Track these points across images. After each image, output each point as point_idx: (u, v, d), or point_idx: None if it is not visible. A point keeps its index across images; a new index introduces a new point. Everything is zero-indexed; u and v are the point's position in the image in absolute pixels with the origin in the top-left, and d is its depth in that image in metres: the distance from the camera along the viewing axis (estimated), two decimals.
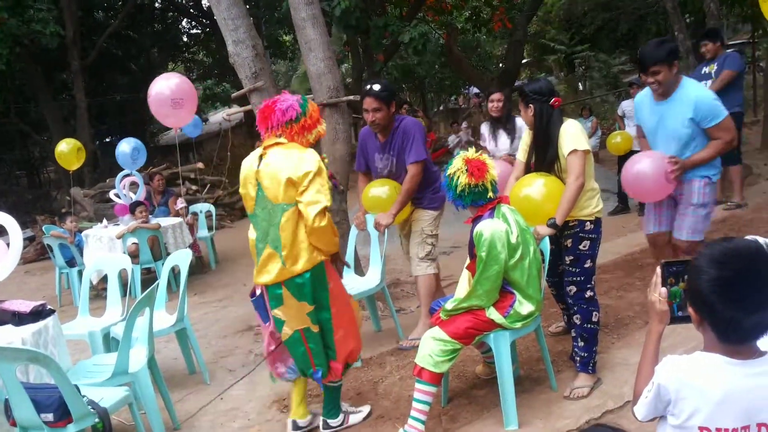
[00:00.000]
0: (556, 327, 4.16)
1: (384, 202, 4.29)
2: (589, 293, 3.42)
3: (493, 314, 3.04)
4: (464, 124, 15.13)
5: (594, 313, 3.42)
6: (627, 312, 4.34)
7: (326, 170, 3.07)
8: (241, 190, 3.17)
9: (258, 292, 3.19)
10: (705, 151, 3.64)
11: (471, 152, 3.11)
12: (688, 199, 3.72)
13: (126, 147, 7.88)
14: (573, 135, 3.33)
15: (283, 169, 2.95)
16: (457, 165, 3.06)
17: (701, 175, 3.69)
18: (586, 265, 3.41)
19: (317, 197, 2.94)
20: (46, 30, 11.88)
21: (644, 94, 3.86)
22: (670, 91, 3.64)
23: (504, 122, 5.37)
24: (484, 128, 5.58)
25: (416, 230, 4.43)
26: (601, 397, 3.31)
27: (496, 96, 5.38)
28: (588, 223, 3.40)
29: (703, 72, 6.69)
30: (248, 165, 3.12)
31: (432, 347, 3.01)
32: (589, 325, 3.40)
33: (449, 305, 3.12)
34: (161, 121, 6.71)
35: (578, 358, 3.43)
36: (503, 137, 5.37)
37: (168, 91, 6.28)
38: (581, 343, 3.42)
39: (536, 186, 3.42)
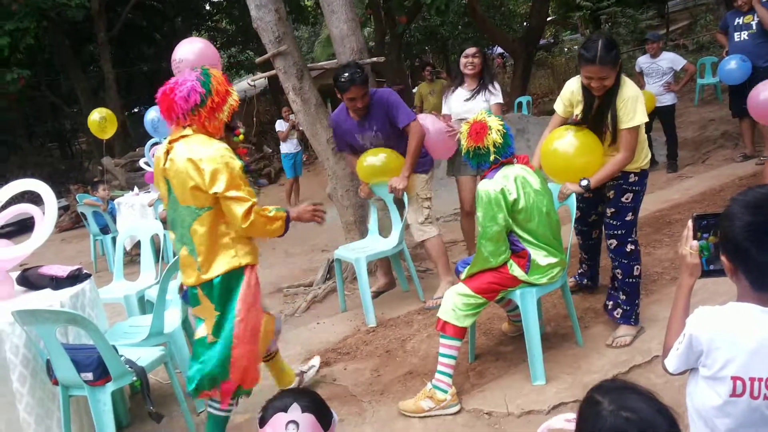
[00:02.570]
0: (569, 282, 4.09)
1: (381, 169, 4.33)
2: (630, 246, 3.40)
3: (515, 271, 3.06)
4: None
5: (635, 267, 3.42)
6: (655, 268, 4.32)
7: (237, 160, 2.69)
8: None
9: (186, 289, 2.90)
10: None
11: (480, 115, 3.11)
12: None
13: (151, 114, 8.00)
14: (635, 107, 3.17)
15: (187, 170, 2.60)
16: (463, 129, 3.11)
17: None
18: (627, 218, 3.38)
19: (237, 196, 2.61)
20: (72, 2, 11.96)
21: None
22: None
23: (478, 80, 4.78)
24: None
25: (411, 196, 4.46)
26: (629, 352, 3.32)
27: (472, 51, 4.80)
28: (632, 175, 3.35)
29: (736, 23, 6.53)
30: (157, 160, 2.81)
31: (455, 301, 3.05)
32: (630, 279, 3.41)
33: (466, 272, 3.17)
34: None
35: (620, 311, 3.46)
36: (462, 91, 4.83)
37: (192, 56, 6.24)
38: (623, 297, 3.44)
39: (568, 140, 3.35)
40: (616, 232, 3.41)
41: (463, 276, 3.19)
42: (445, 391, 3.03)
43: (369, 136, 4.39)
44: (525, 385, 3.17)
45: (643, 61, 7.35)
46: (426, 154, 4.50)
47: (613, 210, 3.42)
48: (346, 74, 4.11)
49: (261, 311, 2.84)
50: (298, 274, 5.96)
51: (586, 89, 3.30)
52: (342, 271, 4.81)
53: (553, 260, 3.10)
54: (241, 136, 3.04)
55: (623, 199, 3.38)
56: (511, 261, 3.08)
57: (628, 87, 3.22)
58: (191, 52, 6.18)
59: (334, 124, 4.54)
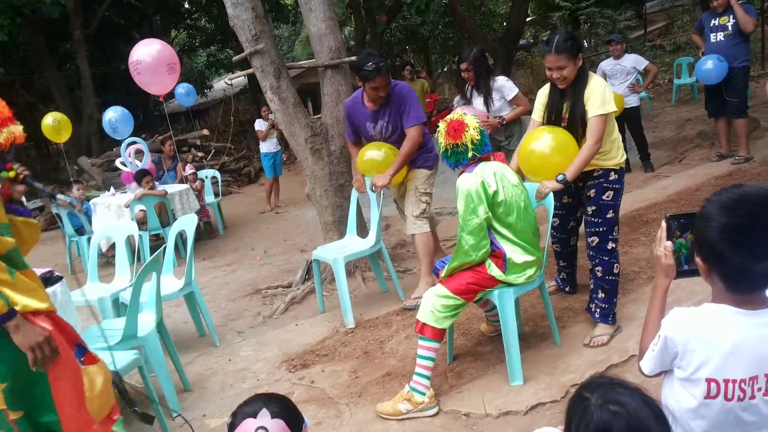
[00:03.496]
0: (549, 286, 4.13)
1: (379, 164, 4.31)
2: (611, 245, 3.42)
3: (494, 270, 3.05)
4: None
5: (615, 265, 3.44)
6: (632, 267, 4.34)
7: None
8: None
9: None
10: None
11: (457, 113, 3.11)
12: None
13: (109, 115, 7.95)
14: (601, 96, 3.25)
15: None
16: (441, 127, 3.10)
17: None
18: (609, 216, 3.41)
19: None
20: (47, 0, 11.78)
21: None
22: None
23: (480, 87, 5.11)
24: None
25: (410, 189, 4.46)
26: (606, 351, 3.33)
27: (463, 66, 5.13)
28: (612, 172, 3.39)
29: (712, 24, 6.59)
30: None
31: (434, 303, 3.03)
32: (610, 277, 3.43)
33: (446, 269, 3.15)
34: (145, 88, 6.56)
35: (598, 310, 3.47)
36: (478, 100, 5.17)
37: (150, 57, 6.18)
38: (602, 295, 3.45)
39: (544, 140, 3.37)
40: (597, 229, 3.43)
41: (443, 273, 3.17)
42: (423, 394, 3.01)
43: (380, 125, 4.38)
44: (503, 386, 3.16)
45: (606, 64, 7.37)
46: (431, 150, 4.49)
47: (594, 208, 3.44)
48: (371, 64, 4.07)
49: (77, 364, 2.29)
50: (277, 275, 5.91)
51: (552, 89, 3.41)
52: (321, 272, 4.77)
53: (530, 258, 3.09)
54: (12, 173, 2.40)
55: (604, 197, 3.40)
56: (489, 261, 3.07)
57: (595, 80, 3.32)
58: (148, 53, 6.14)
59: (348, 110, 4.49)
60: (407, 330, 3.99)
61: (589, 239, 3.48)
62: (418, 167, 4.42)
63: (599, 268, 3.45)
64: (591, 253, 3.49)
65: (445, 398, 3.14)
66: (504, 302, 3.11)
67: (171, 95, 19.83)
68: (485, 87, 5.07)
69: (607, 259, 3.42)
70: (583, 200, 3.53)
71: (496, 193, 2.97)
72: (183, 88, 10.28)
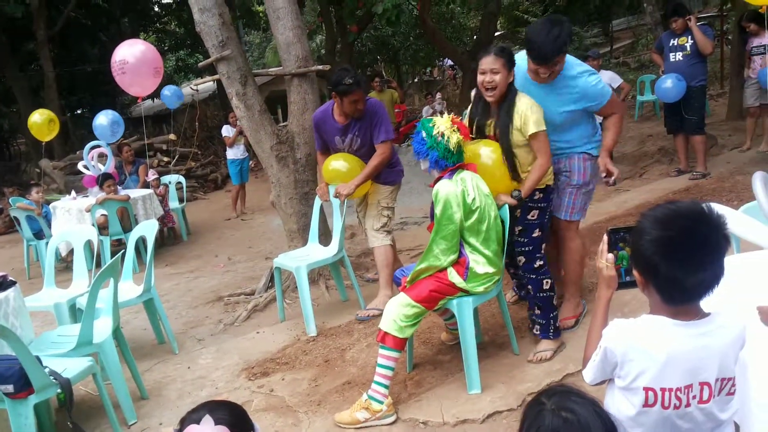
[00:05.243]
0: (511, 297, 4.17)
1: (344, 175, 4.35)
2: (538, 263, 3.43)
3: (454, 277, 3.09)
4: (438, 95, 15.16)
5: (545, 281, 3.43)
6: (591, 279, 4.40)
7: None
8: None
9: None
10: (610, 132, 3.47)
11: (446, 117, 3.15)
12: (569, 178, 3.53)
13: (104, 119, 7.77)
14: (535, 113, 3.22)
15: None
16: (446, 125, 3.08)
17: (580, 151, 3.51)
18: (534, 235, 3.41)
19: None
20: None
21: (521, 69, 3.35)
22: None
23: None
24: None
25: (372, 203, 4.51)
26: (562, 360, 3.38)
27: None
28: (537, 192, 3.38)
29: (671, 44, 6.78)
30: None
31: (396, 312, 3.05)
32: (541, 294, 3.44)
33: (412, 272, 3.17)
34: (125, 89, 6.50)
35: (537, 326, 3.48)
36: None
37: (132, 59, 6.11)
38: (537, 311, 3.47)
39: (492, 155, 3.32)
40: (523, 249, 3.44)
41: (408, 277, 3.19)
42: (381, 402, 3.02)
43: (348, 139, 4.41)
44: (461, 394, 3.19)
45: None
46: (395, 165, 4.55)
47: (520, 228, 3.43)
48: (349, 78, 4.10)
49: None
50: (241, 282, 5.87)
51: (476, 102, 3.43)
52: (284, 280, 4.75)
53: (491, 270, 3.14)
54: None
55: (529, 217, 3.40)
56: (450, 268, 3.11)
57: (523, 99, 3.27)
58: (132, 54, 6.06)
59: (316, 122, 4.51)
60: (369, 339, 4.00)
61: (517, 258, 3.47)
62: (381, 183, 4.47)
63: (530, 286, 3.46)
64: (520, 272, 3.53)
65: (403, 406, 3.16)
66: (462, 311, 3.14)
67: (134, 100, 19.57)
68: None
69: (534, 277, 3.43)
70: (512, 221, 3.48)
71: (474, 200, 3.04)
72: (169, 90, 10.11)
